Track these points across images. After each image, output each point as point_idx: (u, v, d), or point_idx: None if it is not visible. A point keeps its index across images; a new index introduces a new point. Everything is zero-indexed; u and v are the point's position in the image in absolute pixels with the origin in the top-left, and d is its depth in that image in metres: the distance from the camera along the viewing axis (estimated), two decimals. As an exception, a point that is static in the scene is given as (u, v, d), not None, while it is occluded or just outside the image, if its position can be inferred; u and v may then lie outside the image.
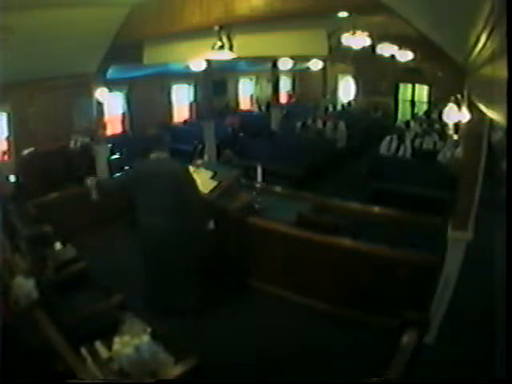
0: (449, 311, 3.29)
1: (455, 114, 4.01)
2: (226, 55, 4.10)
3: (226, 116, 11.22)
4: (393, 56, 7.93)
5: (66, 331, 2.44)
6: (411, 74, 11.98)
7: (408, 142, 7.87)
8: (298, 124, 10.58)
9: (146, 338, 2.43)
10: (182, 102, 11.43)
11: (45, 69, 5.03)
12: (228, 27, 4.06)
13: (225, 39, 4.04)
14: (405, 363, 2.14)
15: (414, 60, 8.63)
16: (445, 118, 4.57)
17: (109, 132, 7.75)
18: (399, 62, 8.90)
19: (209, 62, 6.70)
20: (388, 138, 8.03)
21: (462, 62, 2.81)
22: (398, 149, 7.81)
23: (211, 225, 3.90)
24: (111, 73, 6.02)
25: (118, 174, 6.10)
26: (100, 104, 5.98)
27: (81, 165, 6.65)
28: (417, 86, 13.17)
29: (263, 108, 13.28)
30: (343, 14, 4.18)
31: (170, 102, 10.88)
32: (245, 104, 14.03)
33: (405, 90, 13.53)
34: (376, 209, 4.92)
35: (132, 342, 2.39)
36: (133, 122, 9.83)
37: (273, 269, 4.23)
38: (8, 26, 3.80)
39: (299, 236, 4.04)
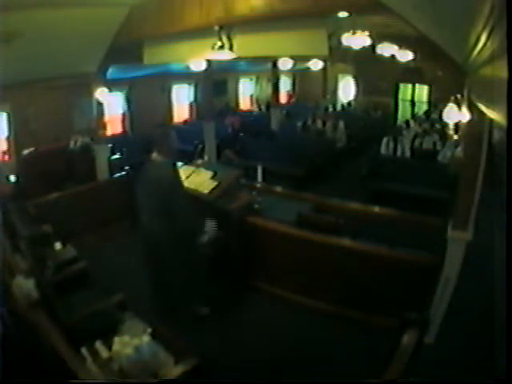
0: (449, 311, 3.29)
1: (455, 114, 4.03)
2: (226, 55, 4.10)
3: (226, 116, 11.21)
4: (393, 56, 7.96)
5: (66, 331, 2.44)
6: (411, 73, 12.00)
7: (406, 143, 7.86)
8: (298, 124, 10.57)
9: (146, 338, 2.43)
10: (182, 101, 11.43)
11: (45, 69, 5.02)
12: (228, 27, 4.06)
13: (225, 39, 4.04)
14: (405, 363, 2.14)
15: (414, 60, 8.67)
16: (445, 117, 4.59)
17: (109, 132, 7.73)
18: (399, 62, 8.94)
19: (209, 62, 6.70)
20: (385, 139, 8.04)
21: (461, 62, 2.81)
22: (395, 150, 7.82)
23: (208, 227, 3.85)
24: (111, 73, 6.01)
25: (118, 175, 6.14)
26: (100, 104, 5.97)
27: (81, 165, 6.66)
28: (417, 86, 13.18)
29: (263, 108, 13.27)
30: (343, 14, 4.19)
31: (170, 102, 10.88)
32: (245, 104, 14.02)
33: (405, 90, 13.53)
34: (376, 209, 4.91)
35: (132, 342, 2.39)
36: (133, 121, 9.83)
37: (273, 269, 4.23)
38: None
39: (299, 236, 4.04)
